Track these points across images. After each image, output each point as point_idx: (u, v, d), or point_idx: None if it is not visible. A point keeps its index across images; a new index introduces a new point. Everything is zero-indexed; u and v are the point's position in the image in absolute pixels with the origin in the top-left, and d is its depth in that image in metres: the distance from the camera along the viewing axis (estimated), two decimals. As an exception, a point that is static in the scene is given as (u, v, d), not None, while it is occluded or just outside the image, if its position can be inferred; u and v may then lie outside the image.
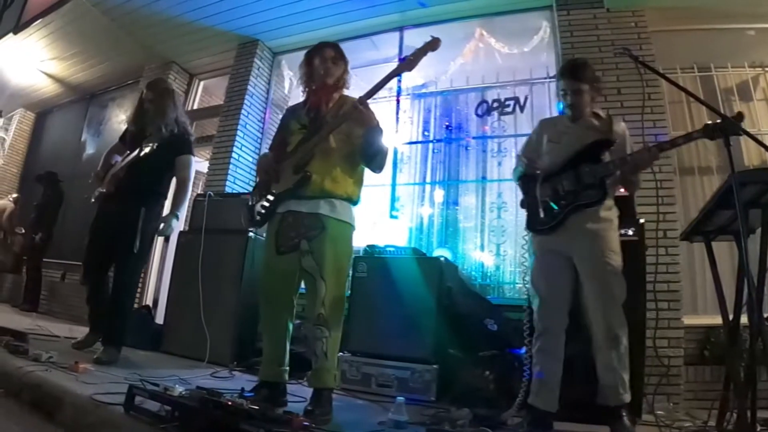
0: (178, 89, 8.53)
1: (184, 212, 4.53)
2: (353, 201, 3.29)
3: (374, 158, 3.21)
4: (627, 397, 3.02)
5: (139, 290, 7.70)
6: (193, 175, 4.58)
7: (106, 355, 3.97)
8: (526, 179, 3.40)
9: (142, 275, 7.87)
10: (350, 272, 3.28)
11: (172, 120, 4.44)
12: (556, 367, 3.10)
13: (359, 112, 3.10)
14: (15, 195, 9.38)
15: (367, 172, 3.36)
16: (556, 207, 3.17)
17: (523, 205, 3.47)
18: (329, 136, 3.18)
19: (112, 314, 4.23)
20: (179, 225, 4.71)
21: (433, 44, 3.17)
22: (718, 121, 2.77)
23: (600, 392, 3.08)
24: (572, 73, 3.27)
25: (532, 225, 3.34)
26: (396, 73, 3.26)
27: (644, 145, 3.05)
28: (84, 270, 4.49)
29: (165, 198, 4.74)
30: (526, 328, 3.40)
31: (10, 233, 7.77)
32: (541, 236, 3.27)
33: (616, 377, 2.99)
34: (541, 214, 3.23)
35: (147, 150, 4.23)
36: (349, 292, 4.52)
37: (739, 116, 2.82)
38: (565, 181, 3.19)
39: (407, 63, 3.18)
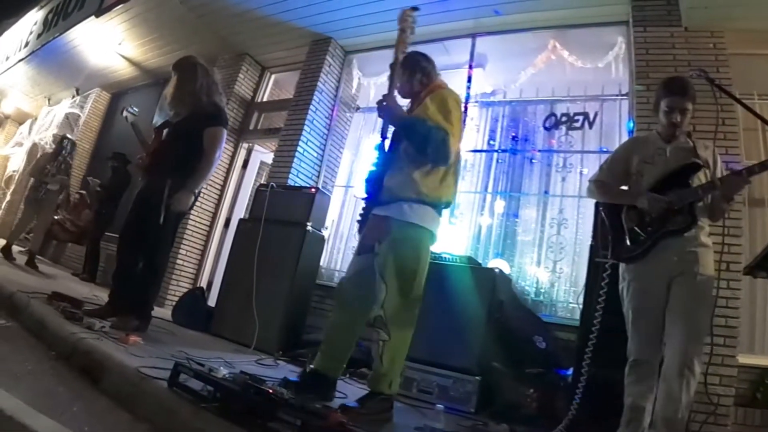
0: (249, 81, 8.71)
1: (199, 187, 4.24)
2: (428, 202, 3.18)
3: (419, 149, 3.15)
4: None
5: (194, 271, 7.90)
6: (219, 149, 4.33)
7: (120, 321, 3.89)
8: (611, 205, 3.31)
9: (199, 257, 8.05)
10: (419, 275, 3.17)
11: (196, 92, 4.34)
12: (649, 398, 2.95)
13: (380, 111, 3.24)
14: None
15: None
16: (642, 235, 3.08)
17: (600, 229, 3.40)
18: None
19: (137, 284, 4.20)
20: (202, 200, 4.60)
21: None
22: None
23: (654, 424, 2.89)
24: (683, 90, 3.12)
25: (617, 253, 3.21)
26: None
27: (730, 170, 2.93)
28: (118, 244, 4.45)
29: None
30: (590, 346, 3.30)
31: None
32: (634, 264, 3.13)
33: (677, 409, 2.79)
34: (627, 242, 3.13)
35: (173, 123, 4.36)
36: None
37: None
38: None
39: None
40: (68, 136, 9.44)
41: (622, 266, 3.23)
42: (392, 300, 3.06)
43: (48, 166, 7.84)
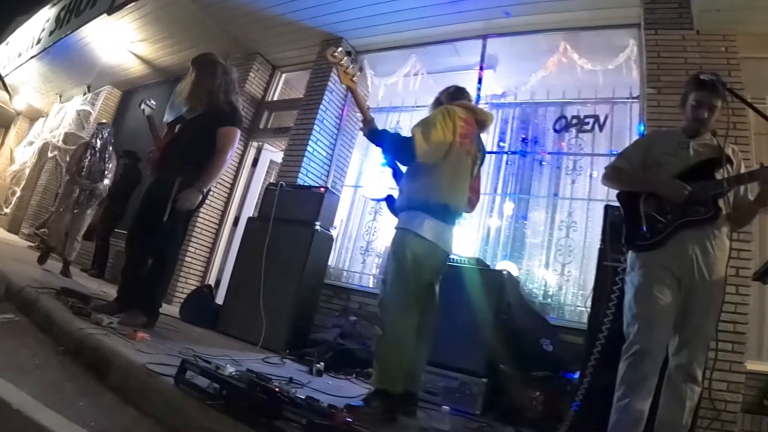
0: (259, 80, 8.73)
1: (208, 186, 4.19)
2: (414, 206, 3.29)
3: (385, 151, 3.56)
4: None
5: (202, 269, 7.92)
6: (232, 149, 4.28)
7: (128, 318, 3.88)
8: (628, 193, 3.22)
9: (207, 255, 8.07)
10: (402, 274, 3.19)
11: (214, 90, 4.29)
12: (648, 400, 2.80)
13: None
14: None
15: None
16: (662, 221, 2.99)
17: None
18: None
19: (145, 281, 4.16)
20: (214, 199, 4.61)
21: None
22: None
23: (657, 428, 2.84)
24: (714, 87, 3.03)
25: (631, 240, 3.10)
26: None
27: (760, 164, 2.87)
28: (126, 239, 4.37)
29: None
30: (597, 350, 3.23)
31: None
32: (648, 252, 3.01)
33: (682, 415, 2.76)
34: (643, 228, 3.03)
35: (186, 119, 4.37)
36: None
37: None
38: None
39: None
40: (103, 121, 9.36)
41: (631, 255, 3.12)
42: (384, 296, 3.22)
43: (84, 156, 7.21)
